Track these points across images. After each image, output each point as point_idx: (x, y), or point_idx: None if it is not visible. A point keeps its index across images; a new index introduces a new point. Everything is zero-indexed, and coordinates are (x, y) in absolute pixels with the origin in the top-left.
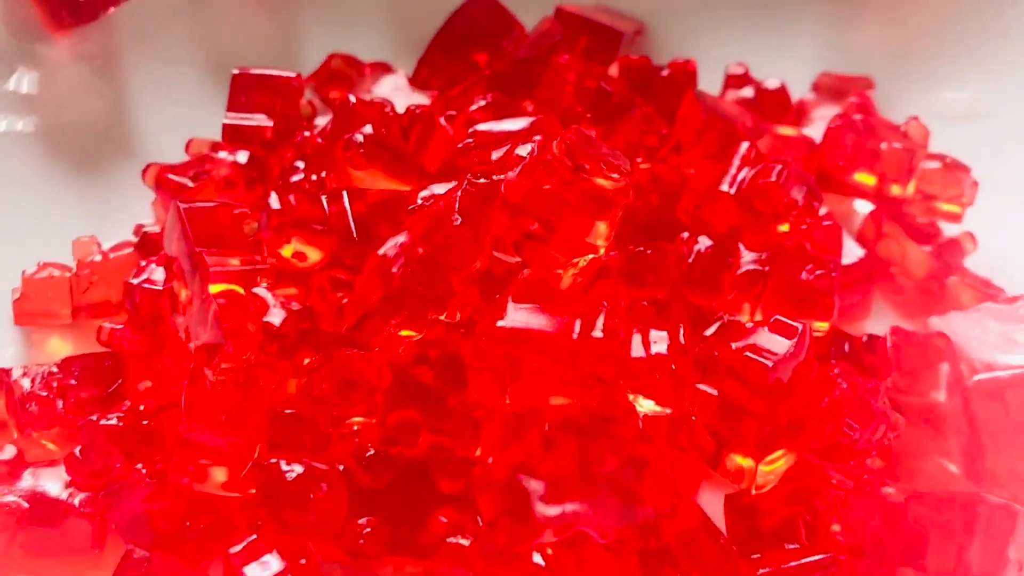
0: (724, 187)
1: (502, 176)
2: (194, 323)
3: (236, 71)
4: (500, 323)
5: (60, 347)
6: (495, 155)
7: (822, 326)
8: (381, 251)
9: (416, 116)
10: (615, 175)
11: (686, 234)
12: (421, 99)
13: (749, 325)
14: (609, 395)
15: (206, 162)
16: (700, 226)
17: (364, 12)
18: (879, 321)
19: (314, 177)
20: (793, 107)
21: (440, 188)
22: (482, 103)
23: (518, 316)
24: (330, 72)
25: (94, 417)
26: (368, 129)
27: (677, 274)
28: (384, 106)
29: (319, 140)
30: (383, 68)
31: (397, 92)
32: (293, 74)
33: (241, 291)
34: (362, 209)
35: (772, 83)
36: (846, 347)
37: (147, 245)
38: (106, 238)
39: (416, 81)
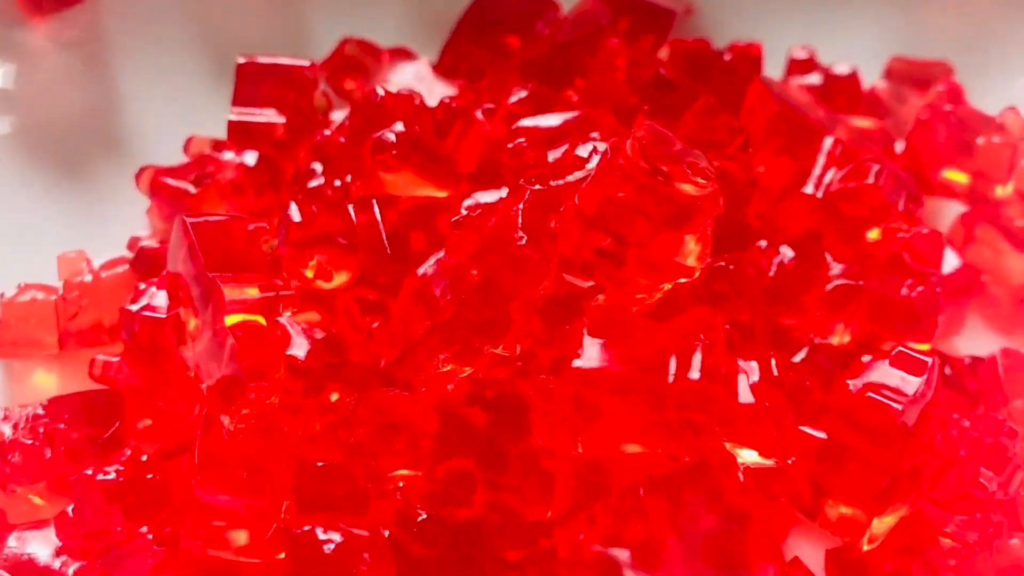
0: (808, 189)
1: (562, 181)
2: (206, 357)
3: (242, 60)
4: (576, 362)
5: (46, 381)
6: (552, 156)
7: (922, 347)
8: (420, 270)
9: (452, 111)
10: (700, 179)
11: (763, 243)
12: (447, 89)
13: (834, 341)
14: (703, 443)
15: (209, 164)
16: (776, 233)
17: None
18: (969, 338)
19: (337, 183)
20: (865, 95)
21: (486, 196)
22: (522, 94)
23: (595, 353)
24: (344, 59)
25: (89, 470)
26: (399, 127)
27: (758, 291)
28: (414, 99)
29: (341, 139)
30: (403, 54)
31: (420, 81)
32: (306, 62)
33: (262, 321)
34: (394, 219)
35: (841, 68)
36: (947, 371)
37: (144, 262)
38: (96, 253)
39: (441, 68)
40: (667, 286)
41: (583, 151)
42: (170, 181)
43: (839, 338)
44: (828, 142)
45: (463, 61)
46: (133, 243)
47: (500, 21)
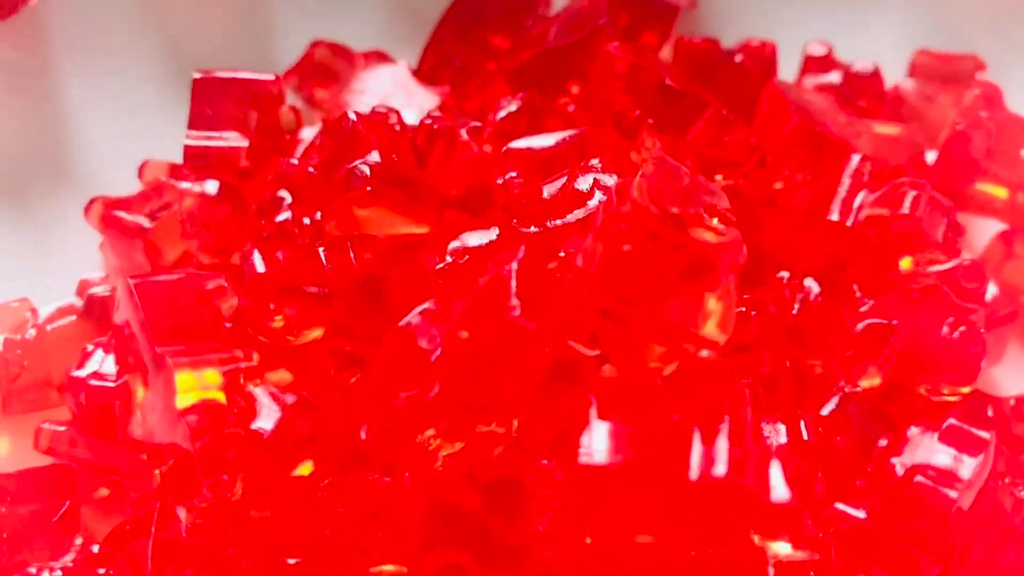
0: (834, 214)
1: (560, 221)
2: (158, 431)
3: (198, 74)
4: (583, 458)
5: None
6: (547, 190)
7: (963, 390)
8: (403, 321)
9: (434, 132)
10: (719, 223)
11: (785, 274)
12: (429, 97)
13: (864, 384)
14: (725, 536)
15: (165, 193)
16: (797, 261)
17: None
18: (1009, 368)
19: (306, 220)
20: (888, 96)
21: (474, 238)
22: (512, 107)
23: (604, 440)
24: (314, 65)
25: (32, 569)
26: (375, 156)
27: (782, 335)
28: (389, 119)
29: (309, 169)
30: (379, 58)
31: (399, 88)
32: (270, 76)
33: (221, 399)
34: (371, 261)
35: (862, 66)
36: (989, 412)
37: (95, 311)
38: (42, 298)
39: (422, 73)
40: (689, 348)
41: (583, 184)
42: (123, 215)
43: (870, 381)
44: (855, 160)
45: (446, 65)
46: (83, 287)
47: (485, 19)
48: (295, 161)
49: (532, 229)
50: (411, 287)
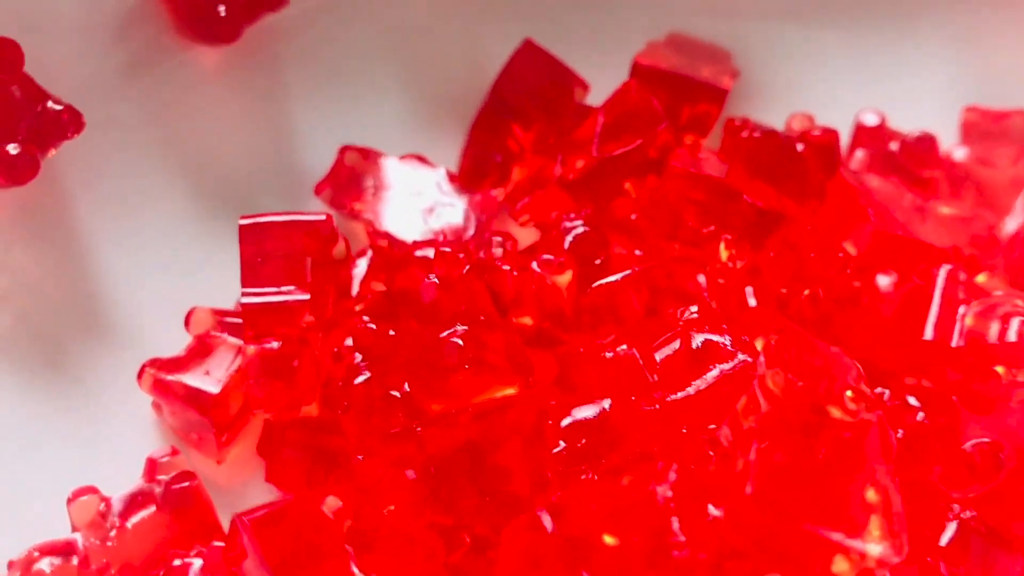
0: (928, 332)
1: (682, 394)
2: None
3: (243, 221)
4: None
5: None
6: (659, 356)
7: None
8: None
9: (512, 278)
10: (855, 399)
11: (886, 392)
12: (458, 204)
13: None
14: None
15: (216, 348)
16: (891, 372)
17: (369, 99)
18: None
19: (395, 393)
20: (944, 162)
21: (584, 413)
22: (578, 229)
23: None
24: (346, 170)
25: None
26: (461, 328)
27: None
28: (460, 263)
29: (369, 324)
30: (418, 160)
31: (438, 193)
32: (321, 216)
33: None
34: (469, 427)
35: (913, 133)
36: None
37: (173, 500)
38: (107, 480)
39: (464, 176)
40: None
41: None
42: (181, 379)
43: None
44: (944, 272)
45: (488, 164)
46: (151, 469)
47: (522, 113)
48: (372, 325)
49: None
50: (514, 454)
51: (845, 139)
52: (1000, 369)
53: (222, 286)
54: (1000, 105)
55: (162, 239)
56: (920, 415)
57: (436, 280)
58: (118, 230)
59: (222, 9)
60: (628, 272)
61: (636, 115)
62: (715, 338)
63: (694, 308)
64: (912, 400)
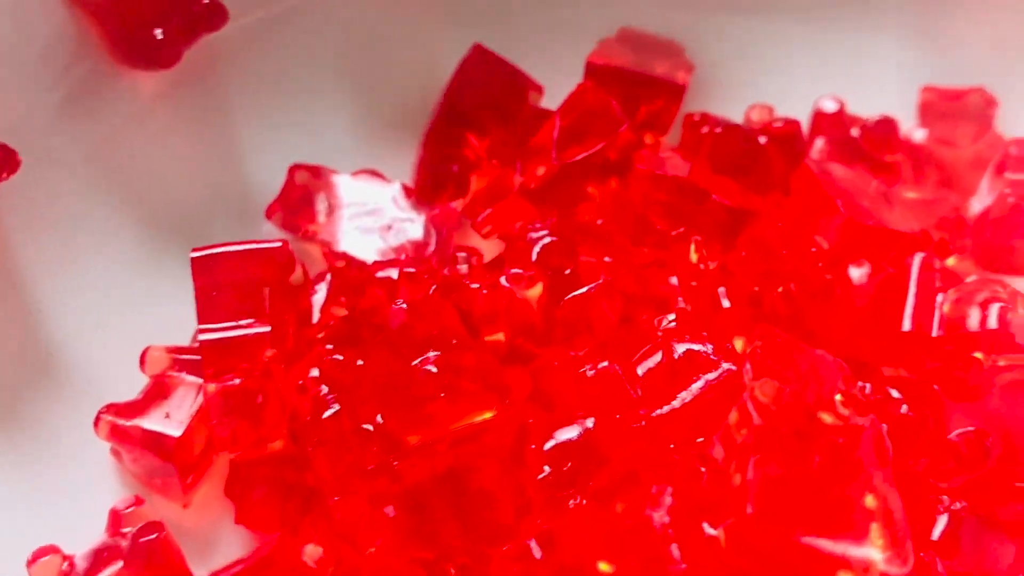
0: (906, 323)
1: (668, 408)
2: None
3: (195, 254)
4: None
5: None
6: (641, 370)
7: None
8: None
9: (483, 296)
10: (846, 402)
11: (867, 386)
12: (417, 219)
13: None
14: None
15: (174, 389)
16: (869, 363)
17: (317, 115)
18: None
19: (368, 427)
20: (904, 144)
21: (567, 434)
22: (545, 240)
23: None
24: (297, 190)
25: None
26: (433, 354)
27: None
28: (428, 286)
29: (335, 354)
30: (371, 175)
31: (394, 208)
32: (276, 243)
33: None
34: (447, 455)
35: (872, 117)
36: None
37: (141, 556)
38: (71, 541)
39: (421, 191)
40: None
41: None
42: (139, 424)
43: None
44: (918, 260)
45: (445, 175)
46: (115, 521)
47: (475, 121)
48: (338, 356)
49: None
50: (494, 478)
51: (804, 128)
52: (979, 355)
53: (177, 323)
54: (957, 84)
55: (110, 277)
56: (903, 407)
57: (404, 305)
58: (64, 271)
59: (159, 32)
60: (599, 282)
61: (594, 117)
62: (697, 347)
63: (671, 316)
64: (894, 392)
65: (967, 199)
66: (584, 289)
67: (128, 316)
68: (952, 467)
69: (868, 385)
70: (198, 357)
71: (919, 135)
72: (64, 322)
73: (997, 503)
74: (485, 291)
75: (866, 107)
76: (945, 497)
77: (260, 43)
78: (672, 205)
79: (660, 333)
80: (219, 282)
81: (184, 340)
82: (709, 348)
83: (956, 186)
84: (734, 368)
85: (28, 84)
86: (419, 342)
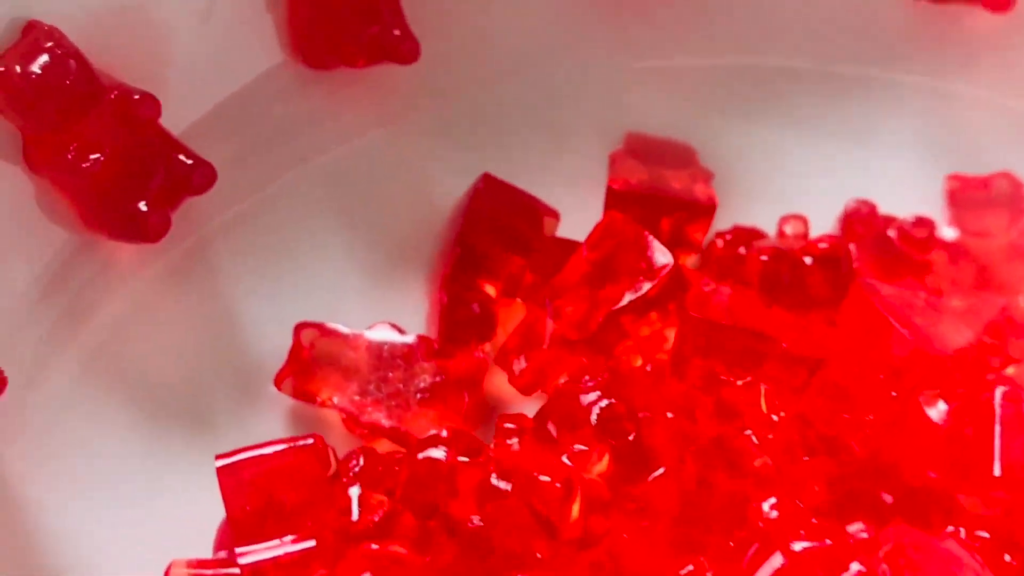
0: (996, 471)
1: None
2: None
3: (220, 462)
4: None
5: None
6: None
7: None
8: None
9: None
10: None
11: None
12: (444, 376)
13: None
14: None
15: None
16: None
17: (318, 267)
18: None
19: None
20: (938, 243)
21: None
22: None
23: None
24: (307, 354)
25: None
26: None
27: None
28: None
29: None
30: (386, 327)
31: (423, 367)
32: (308, 439)
33: None
34: None
35: (908, 218)
36: None
37: None
38: None
39: (445, 342)
40: None
41: None
42: None
43: None
44: (999, 394)
45: (467, 323)
46: None
47: (492, 253)
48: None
49: None
50: None
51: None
52: None
53: (195, 527)
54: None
55: (111, 481)
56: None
57: (480, 523)
58: (60, 483)
59: (143, 205)
60: (673, 457)
61: (628, 251)
62: (814, 544)
63: (771, 500)
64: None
65: (1010, 295)
66: (658, 472)
67: (139, 527)
68: None
69: (962, 530)
70: (229, 570)
71: (950, 233)
72: (68, 540)
73: None
74: (558, 485)
75: (888, 203)
76: None
77: (250, 199)
78: (735, 352)
79: (761, 524)
80: (250, 492)
81: (205, 549)
82: (828, 542)
83: (996, 281)
84: (864, 570)
85: None
86: (499, 555)
